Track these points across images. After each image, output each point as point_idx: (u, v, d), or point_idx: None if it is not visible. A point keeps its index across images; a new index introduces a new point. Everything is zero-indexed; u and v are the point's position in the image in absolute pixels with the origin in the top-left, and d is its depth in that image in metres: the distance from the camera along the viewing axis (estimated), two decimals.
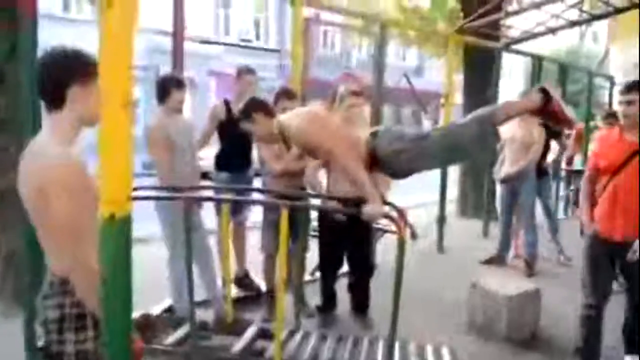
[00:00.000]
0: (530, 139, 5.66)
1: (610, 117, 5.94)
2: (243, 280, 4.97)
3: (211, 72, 20.60)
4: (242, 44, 22.50)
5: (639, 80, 3.41)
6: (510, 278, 5.14)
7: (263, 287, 4.64)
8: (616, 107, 4.31)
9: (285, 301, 3.30)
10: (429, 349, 3.50)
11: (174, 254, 3.88)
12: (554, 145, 7.01)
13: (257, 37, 24.12)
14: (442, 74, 9.45)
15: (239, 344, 3.39)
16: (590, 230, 3.53)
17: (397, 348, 3.44)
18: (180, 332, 3.52)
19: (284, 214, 3.01)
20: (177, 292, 3.97)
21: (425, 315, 4.50)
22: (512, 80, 24.06)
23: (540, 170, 6.09)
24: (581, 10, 6.64)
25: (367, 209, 2.84)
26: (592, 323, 3.56)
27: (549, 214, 6.57)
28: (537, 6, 6.34)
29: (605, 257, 3.46)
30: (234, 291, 4.78)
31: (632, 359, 3.69)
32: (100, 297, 1.51)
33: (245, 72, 4.75)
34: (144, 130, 4.06)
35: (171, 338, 3.46)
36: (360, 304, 4.41)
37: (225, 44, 21.74)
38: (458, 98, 9.45)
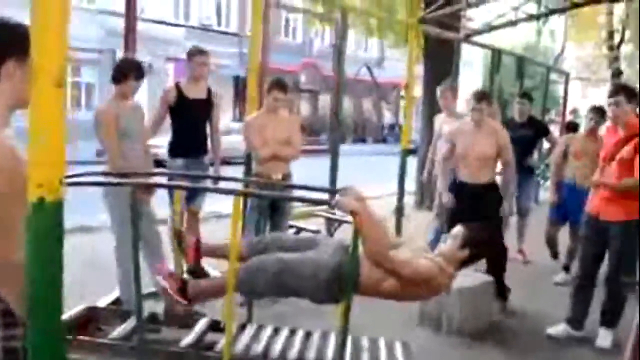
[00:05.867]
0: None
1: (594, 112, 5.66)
2: (196, 271, 4.82)
3: (169, 58, 20.17)
4: (198, 26, 22.06)
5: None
6: (465, 270, 5.15)
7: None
8: (575, 102, 4.45)
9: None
10: (382, 343, 3.45)
11: (121, 243, 3.73)
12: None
13: (219, 24, 23.74)
14: (402, 65, 9.43)
15: (188, 338, 3.27)
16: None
17: (349, 342, 3.38)
18: (127, 326, 3.37)
19: (236, 201, 2.89)
20: (124, 283, 3.82)
21: (376, 308, 4.44)
22: (472, 72, 24.33)
23: (523, 168, 5.76)
24: (539, 4, 6.71)
25: (341, 200, 2.75)
26: (579, 293, 4.13)
27: (523, 214, 6.30)
28: None
29: (595, 234, 4.04)
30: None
31: (605, 332, 4.02)
32: (25, 291, 1.38)
33: (196, 53, 4.59)
34: (94, 114, 3.89)
35: (117, 331, 3.31)
36: (499, 286, 4.62)
37: (181, 26, 21.27)
38: (418, 90, 9.48)
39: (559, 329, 4.16)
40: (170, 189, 4.20)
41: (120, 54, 6.71)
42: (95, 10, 18.16)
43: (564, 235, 5.75)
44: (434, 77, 8.25)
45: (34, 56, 1.31)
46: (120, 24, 6.91)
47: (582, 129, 6.25)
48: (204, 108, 4.65)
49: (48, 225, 1.34)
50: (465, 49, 8.28)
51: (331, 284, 2.85)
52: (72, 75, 20.04)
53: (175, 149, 4.64)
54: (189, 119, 4.56)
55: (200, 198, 4.81)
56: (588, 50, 24.09)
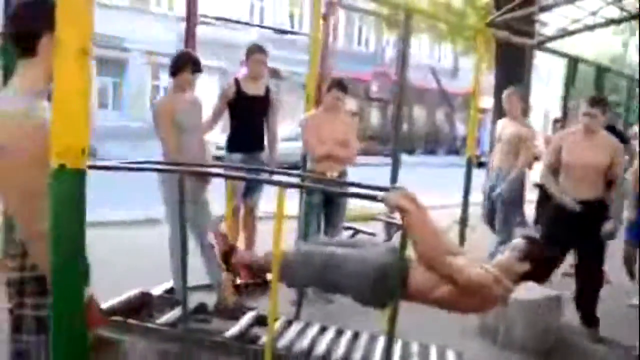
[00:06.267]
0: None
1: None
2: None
3: (243, 62, 20.59)
4: (268, 28, 22.34)
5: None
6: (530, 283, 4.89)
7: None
8: None
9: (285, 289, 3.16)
10: (433, 350, 3.31)
11: (174, 233, 3.77)
12: None
13: (292, 31, 24.07)
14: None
15: (233, 329, 3.25)
16: None
17: (399, 346, 3.26)
18: (175, 313, 3.40)
19: (281, 194, 2.84)
20: (176, 272, 3.87)
21: (433, 315, 4.27)
22: (550, 87, 23.42)
23: None
24: (621, 9, 6.29)
25: (388, 194, 2.67)
26: None
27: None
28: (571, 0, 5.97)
29: None
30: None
31: None
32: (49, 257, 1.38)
33: (255, 51, 4.62)
34: (152, 107, 3.97)
35: (165, 318, 3.34)
36: (587, 317, 4.30)
37: (243, 23, 21.47)
38: (488, 102, 9.13)
39: None
40: (222, 177, 4.24)
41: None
42: (174, 16, 18.94)
43: None
44: (505, 85, 7.91)
45: (59, 25, 1.31)
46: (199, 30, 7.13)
47: None
48: (262, 105, 4.68)
49: (69, 192, 1.34)
50: (543, 60, 7.90)
51: (376, 284, 2.74)
52: (152, 79, 20.97)
53: (232, 144, 4.69)
54: (247, 115, 4.60)
55: (256, 194, 4.82)
56: None
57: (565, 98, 7.87)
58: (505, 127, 5.47)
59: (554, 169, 4.36)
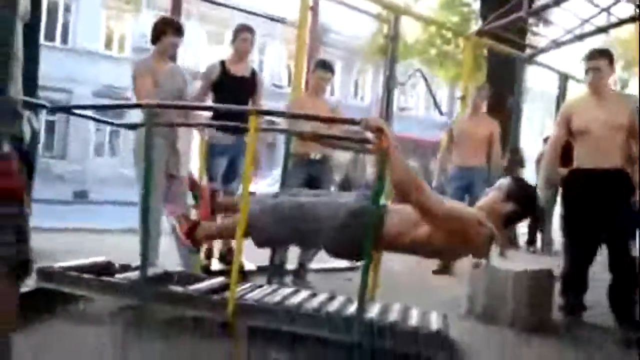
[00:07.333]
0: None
1: None
2: (226, 257, 4.59)
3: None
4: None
5: None
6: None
7: (248, 265, 4.44)
8: None
9: None
10: (415, 312, 3.01)
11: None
12: None
13: (289, 84, 24.46)
14: None
15: (195, 286, 2.99)
16: None
17: (379, 306, 2.99)
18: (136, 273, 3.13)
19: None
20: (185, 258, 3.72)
21: (420, 297, 3.98)
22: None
23: None
24: (609, 13, 6.24)
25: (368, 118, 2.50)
26: None
27: None
28: (557, 2, 5.89)
29: None
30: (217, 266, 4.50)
31: None
32: None
33: (242, 30, 4.54)
34: (132, 71, 3.84)
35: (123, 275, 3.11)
36: (624, 313, 3.63)
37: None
38: None
39: None
40: (195, 126, 4.17)
41: None
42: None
43: None
44: (496, 99, 7.81)
45: None
46: None
47: None
48: (248, 86, 4.55)
49: None
50: (536, 77, 7.85)
51: (346, 228, 2.55)
52: None
53: (216, 126, 4.52)
54: (232, 96, 4.46)
55: (237, 180, 4.62)
56: None
57: (556, 116, 7.72)
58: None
59: (564, 147, 3.86)
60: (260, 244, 2.81)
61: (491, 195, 2.69)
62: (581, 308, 3.84)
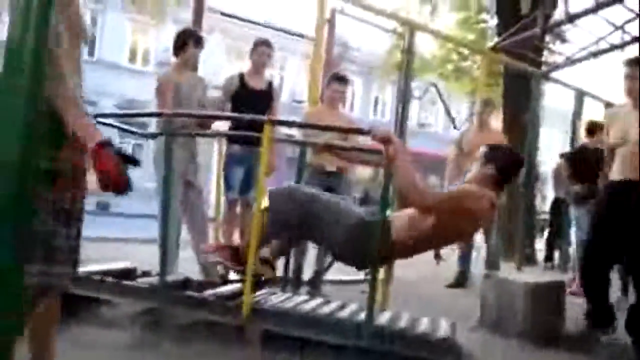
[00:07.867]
0: None
1: None
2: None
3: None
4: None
5: None
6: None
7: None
8: None
9: None
10: (425, 320, 3.07)
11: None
12: None
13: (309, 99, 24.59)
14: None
15: (212, 291, 3.10)
16: None
17: (387, 315, 3.06)
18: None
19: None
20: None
21: (432, 308, 4.04)
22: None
23: None
24: (624, 31, 6.28)
25: (376, 126, 2.63)
26: None
27: None
28: (571, 19, 5.94)
29: None
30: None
31: None
32: None
33: (260, 44, 4.68)
34: (156, 84, 4.00)
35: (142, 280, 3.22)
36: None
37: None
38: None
39: None
40: (212, 136, 4.43)
41: None
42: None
43: None
44: (511, 117, 7.84)
45: None
46: None
47: None
48: (265, 99, 4.67)
49: None
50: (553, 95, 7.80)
51: (358, 237, 2.62)
52: None
53: (232, 136, 4.65)
54: (249, 107, 4.59)
55: (253, 190, 4.73)
56: None
57: (574, 132, 7.72)
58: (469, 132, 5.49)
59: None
60: (274, 226, 2.77)
61: (473, 168, 2.79)
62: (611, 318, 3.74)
